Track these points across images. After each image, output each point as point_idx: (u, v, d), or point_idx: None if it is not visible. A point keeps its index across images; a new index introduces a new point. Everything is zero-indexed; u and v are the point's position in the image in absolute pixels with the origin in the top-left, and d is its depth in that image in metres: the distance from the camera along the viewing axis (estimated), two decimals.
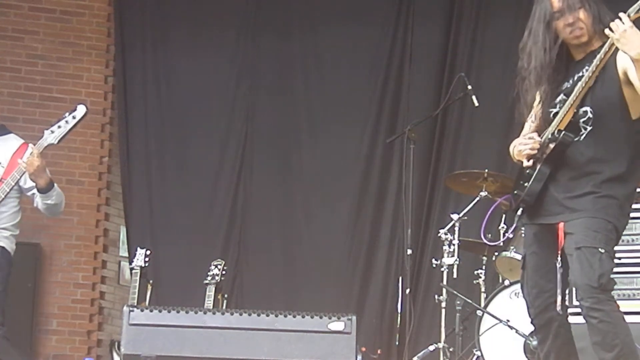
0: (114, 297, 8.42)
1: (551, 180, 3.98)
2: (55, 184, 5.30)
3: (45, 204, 5.30)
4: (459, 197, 7.27)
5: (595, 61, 3.89)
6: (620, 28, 3.76)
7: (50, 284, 8.17)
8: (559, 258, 3.94)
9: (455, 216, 6.51)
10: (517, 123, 4.27)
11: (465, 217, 6.51)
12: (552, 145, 3.96)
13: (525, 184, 4.03)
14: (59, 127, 5.14)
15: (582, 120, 3.96)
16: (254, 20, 8.35)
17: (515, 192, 4.10)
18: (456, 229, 6.49)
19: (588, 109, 3.95)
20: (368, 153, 8.00)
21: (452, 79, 7.24)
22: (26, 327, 7.89)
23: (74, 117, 5.16)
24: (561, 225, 3.93)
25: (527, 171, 4.05)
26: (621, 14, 3.79)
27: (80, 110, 5.18)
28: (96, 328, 8.25)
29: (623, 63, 3.89)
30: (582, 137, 3.95)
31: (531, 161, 4.04)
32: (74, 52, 8.44)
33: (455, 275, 6.46)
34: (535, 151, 4.02)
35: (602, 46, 3.93)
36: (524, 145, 4.07)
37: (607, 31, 3.82)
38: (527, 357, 5.92)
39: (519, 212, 4.07)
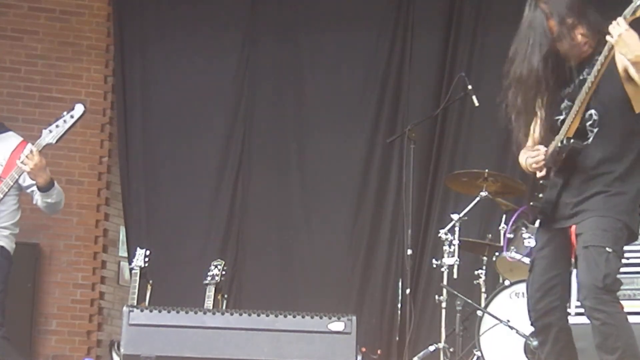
0: (114, 297, 8.41)
1: (565, 188, 4.00)
2: (55, 182, 5.29)
3: (45, 202, 5.30)
4: (459, 197, 7.27)
5: (597, 66, 3.89)
6: (617, 31, 3.78)
7: (49, 284, 8.16)
8: (573, 261, 3.94)
9: (455, 216, 6.51)
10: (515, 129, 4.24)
11: (466, 217, 6.51)
12: (563, 154, 3.96)
13: (540, 195, 4.04)
14: (57, 126, 5.13)
15: (588, 123, 3.97)
16: (254, 22, 8.34)
17: (532, 203, 4.11)
18: (456, 229, 6.48)
19: (593, 111, 3.97)
20: (368, 153, 7.99)
21: (452, 79, 7.24)
22: (26, 328, 7.88)
23: (72, 117, 5.14)
24: (573, 228, 3.94)
25: (541, 182, 4.06)
26: (618, 19, 3.81)
27: (79, 109, 5.16)
28: (96, 328, 8.25)
29: (623, 60, 3.90)
30: (590, 140, 3.97)
31: (544, 171, 4.05)
32: (74, 52, 8.43)
33: (455, 276, 6.46)
34: (542, 163, 4.03)
35: (597, 47, 3.94)
36: (531, 159, 4.09)
37: (608, 37, 3.83)
38: (527, 357, 5.91)
39: (537, 224, 4.08)
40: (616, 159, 3.95)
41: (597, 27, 3.97)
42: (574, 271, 3.96)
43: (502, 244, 6.38)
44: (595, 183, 3.94)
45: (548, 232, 4.08)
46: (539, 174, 4.08)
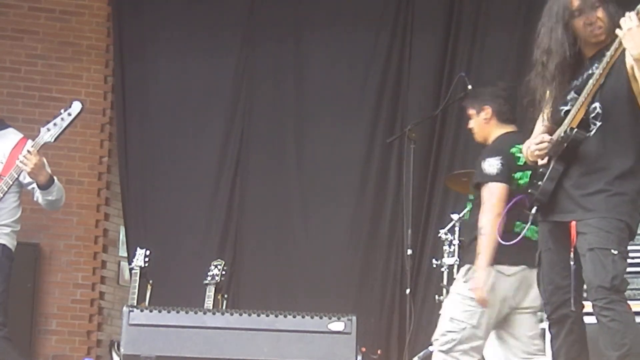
0: (114, 297, 8.41)
1: (564, 176, 4.02)
2: (55, 179, 5.30)
3: (46, 199, 5.31)
4: (459, 197, 7.26)
5: (605, 59, 3.93)
6: (627, 25, 3.81)
7: (49, 284, 8.17)
8: (572, 256, 3.95)
9: (455, 216, 6.51)
10: (529, 119, 4.28)
11: (465, 217, 6.51)
12: (565, 144, 3.99)
13: (539, 183, 4.06)
14: (55, 124, 5.14)
15: (591, 116, 4.00)
16: (253, 22, 8.35)
17: (530, 190, 4.14)
18: (456, 229, 6.48)
19: (597, 104, 3.99)
20: (367, 153, 7.99)
21: (452, 79, 7.24)
22: (26, 328, 7.88)
23: (69, 114, 5.14)
24: (573, 223, 3.96)
25: (541, 170, 4.09)
26: (629, 13, 3.84)
27: (76, 107, 5.16)
28: (96, 328, 8.25)
29: (631, 58, 3.92)
30: (592, 133, 3.99)
31: (545, 159, 4.07)
32: (74, 52, 8.44)
33: (455, 276, 6.45)
34: (546, 150, 4.05)
35: (611, 43, 3.97)
36: (534, 146, 4.11)
37: (617, 30, 3.86)
38: None
39: (533, 211, 4.09)
40: (616, 155, 3.97)
41: (615, 20, 3.99)
42: (572, 265, 3.97)
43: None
44: (596, 178, 3.96)
45: (548, 224, 4.11)
46: (540, 162, 4.10)
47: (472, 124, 5.33)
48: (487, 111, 5.23)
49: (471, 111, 5.34)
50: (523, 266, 4.90)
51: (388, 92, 8.02)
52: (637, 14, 3.82)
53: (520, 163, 4.95)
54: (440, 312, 5.14)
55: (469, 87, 6.74)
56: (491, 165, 4.98)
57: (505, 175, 4.95)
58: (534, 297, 4.85)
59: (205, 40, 8.40)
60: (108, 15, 8.54)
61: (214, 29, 8.38)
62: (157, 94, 8.42)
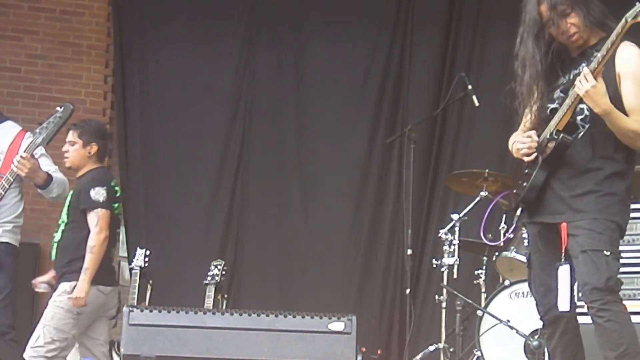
0: None
1: (552, 178, 3.99)
2: (54, 176, 5.32)
3: (48, 196, 5.39)
4: (459, 197, 7.27)
5: (593, 64, 3.87)
6: (584, 88, 3.83)
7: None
8: (562, 258, 3.95)
9: (455, 216, 6.51)
10: (516, 123, 4.27)
11: (466, 217, 6.51)
12: (551, 146, 3.96)
13: (524, 184, 4.04)
14: (46, 127, 5.14)
15: (579, 118, 3.98)
16: (253, 19, 8.35)
17: (515, 191, 4.13)
18: (456, 229, 6.49)
19: (585, 106, 3.96)
20: (368, 153, 8.00)
21: (452, 79, 7.25)
22: (26, 327, 7.85)
23: (59, 117, 5.15)
24: (564, 225, 3.94)
25: (526, 170, 4.07)
26: (585, 72, 3.82)
27: (66, 109, 5.17)
28: None
29: (620, 65, 3.93)
30: (580, 136, 3.97)
31: (533, 156, 4.04)
32: (74, 52, 8.44)
33: (455, 275, 6.46)
34: (533, 150, 4.03)
35: (597, 44, 3.95)
36: (522, 144, 4.08)
37: (577, 84, 3.85)
38: (527, 357, 5.92)
39: (519, 212, 4.08)
40: (605, 157, 3.95)
41: (596, 20, 3.97)
42: (564, 267, 3.95)
43: (501, 243, 6.38)
44: (585, 180, 3.95)
45: (536, 225, 4.10)
46: (526, 159, 4.07)
47: (72, 150, 5.87)
48: (94, 148, 5.90)
49: (78, 140, 5.88)
50: (115, 286, 5.93)
51: (388, 92, 8.02)
52: (627, 20, 3.77)
53: (118, 195, 5.96)
54: (42, 320, 5.74)
55: (469, 87, 6.75)
56: (98, 193, 5.75)
57: (109, 203, 5.78)
58: (112, 307, 5.88)
59: (206, 39, 8.39)
60: (108, 15, 8.54)
61: (214, 29, 8.38)
62: (157, 94, 8.42)
